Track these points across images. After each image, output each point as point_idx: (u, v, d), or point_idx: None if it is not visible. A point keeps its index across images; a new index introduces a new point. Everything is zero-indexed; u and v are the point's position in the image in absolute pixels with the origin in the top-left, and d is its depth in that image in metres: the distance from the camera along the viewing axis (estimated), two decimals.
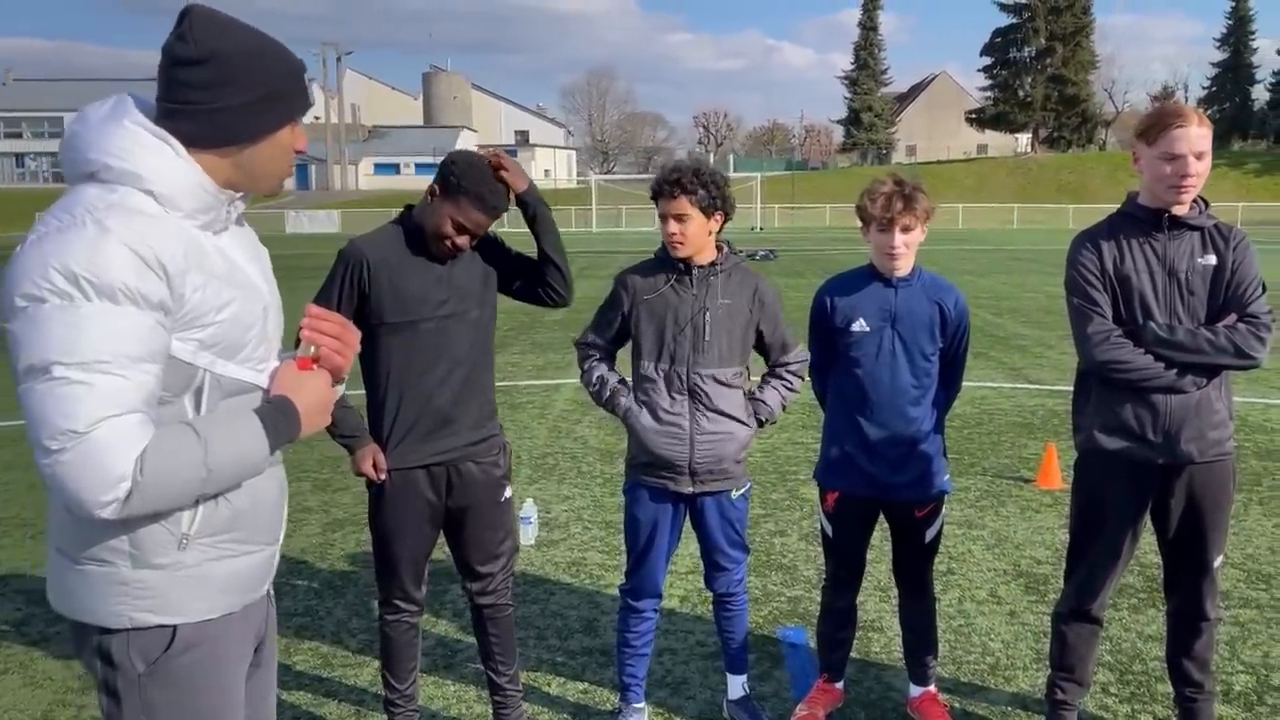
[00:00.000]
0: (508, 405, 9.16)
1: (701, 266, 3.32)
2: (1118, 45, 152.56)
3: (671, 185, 3.22)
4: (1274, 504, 6.20)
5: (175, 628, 1.82)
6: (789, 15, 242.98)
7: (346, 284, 3.15)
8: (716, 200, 3.28)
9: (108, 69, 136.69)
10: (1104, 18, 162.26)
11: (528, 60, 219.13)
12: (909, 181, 3.37)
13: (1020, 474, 6.91)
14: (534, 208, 3.32)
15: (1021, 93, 78.59)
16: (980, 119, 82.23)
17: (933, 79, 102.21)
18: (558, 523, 5.92)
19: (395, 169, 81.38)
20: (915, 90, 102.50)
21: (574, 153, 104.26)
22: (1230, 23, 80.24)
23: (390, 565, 3.34)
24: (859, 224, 3.46)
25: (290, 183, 78.37)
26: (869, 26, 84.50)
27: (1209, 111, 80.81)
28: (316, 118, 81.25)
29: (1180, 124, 3.00)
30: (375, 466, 3.22)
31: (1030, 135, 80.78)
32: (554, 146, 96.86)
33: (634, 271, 3.44)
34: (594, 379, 3.50)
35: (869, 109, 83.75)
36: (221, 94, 1.77)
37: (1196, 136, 3.00)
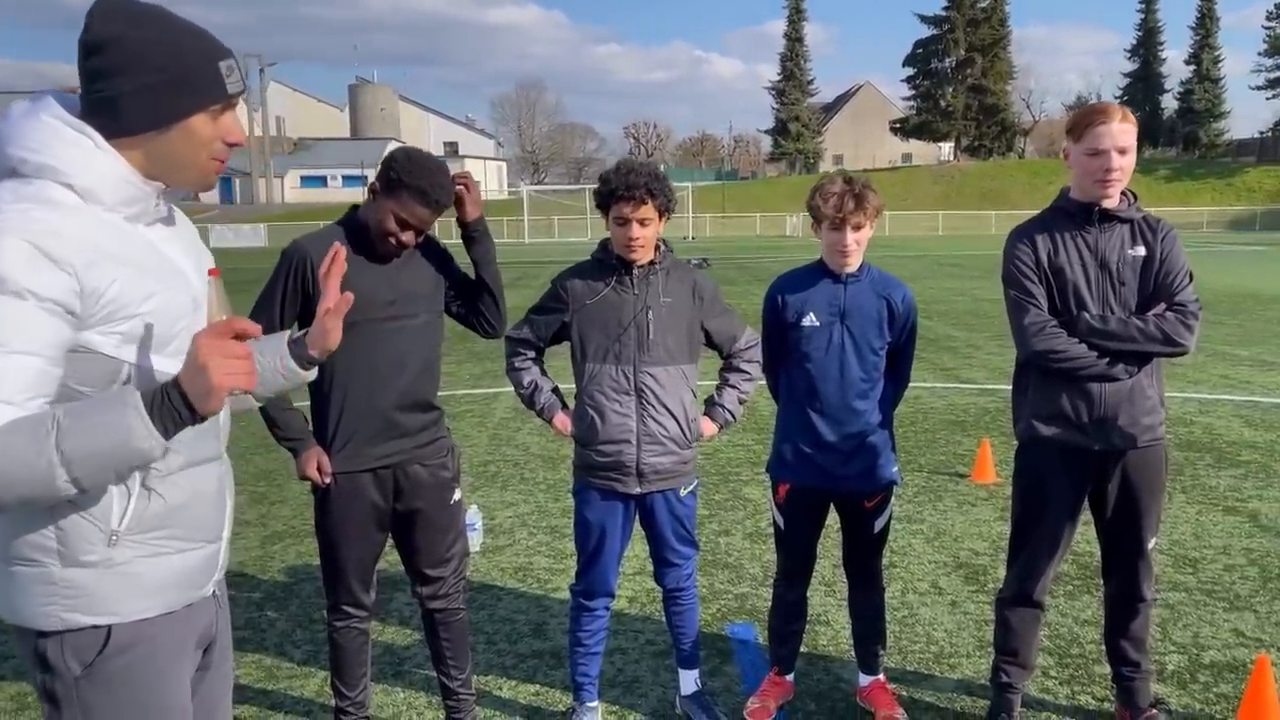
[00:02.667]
0: (447, 414, 9.08)
1: (641, 266, 3.34)
2: (1034, 56, 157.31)
3: (638, 189, 3.20)
4: (1196, 492, 6.42)
5: (110, 628, 1.79)
6: (716, 26, 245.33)
7: (290, 282, 3.11)
8: (671, 203, 3.31)
9: (16, 81, 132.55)
10: (1020, 29, 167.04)
11: (456, 72, 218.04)
12: (859, 180, 3.43)
13: (956, 469, 7.06)
14: (479, 239, 3.34)
15: (943, 102, 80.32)
16: (904, 128, 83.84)
17: (857, 89, 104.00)
18: (502, 529, 5.89)
19: (322, 181, 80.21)
20: (841, 100, 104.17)
21: (504, 164, 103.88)
22: (1140, 34, 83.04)
23: (337, 570, 3.29)
24: (811, 221, 3.50)
25: (215, 196, 76.72)
26: (794, 37, 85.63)
27: None
28: None
29: (1103, 120, 3.12)
30: (320, 470, 3.18)
31: (952, 144, 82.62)
32: (484, 158, 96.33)
33: (572, 274, 3.44)
34: (525, 382, 3.50)
35: (796, 119, 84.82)
36: (119, 81, 1.73)
37: (1118, 132, 3.12)
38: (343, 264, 2.18)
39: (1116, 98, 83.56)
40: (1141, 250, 3.25)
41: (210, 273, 1.78)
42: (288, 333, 2.14)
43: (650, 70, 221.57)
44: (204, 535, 1.91)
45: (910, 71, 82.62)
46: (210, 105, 1.79)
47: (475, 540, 5.50)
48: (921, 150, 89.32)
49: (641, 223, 3.24)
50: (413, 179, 3.02)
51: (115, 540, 1.76)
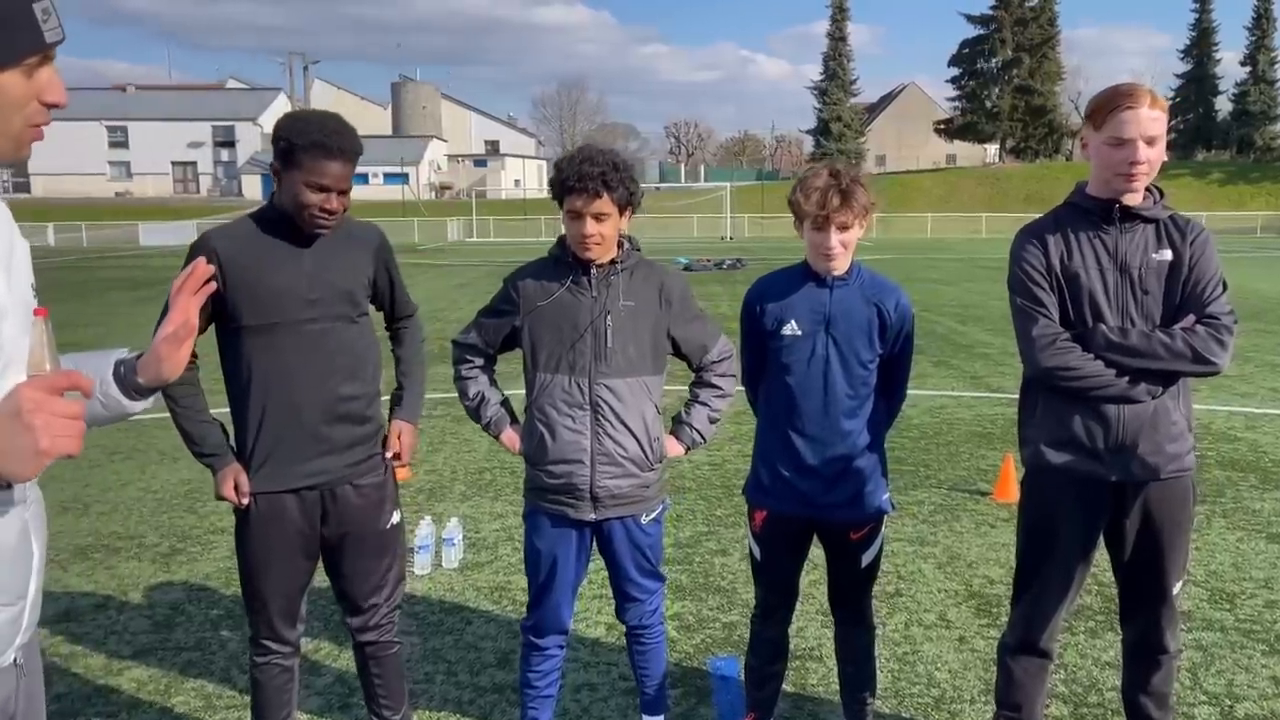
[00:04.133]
0: (450, 418, 8.79)
1: (601, 265, 2.98)
2: (1084, 57, 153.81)
3: (593, 181, 2.84)
4: (1238, 516, 5.94)
5: None
6: (763, 26, 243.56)
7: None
8: (634, 196, 2.94)
9: (77, 79, 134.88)
10: (1070, 30, 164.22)
11: (500, 72, 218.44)
12: (846, 173, 3.00)
13: (977, 486, 6.62)
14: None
15: (989, 103, 79.00)
16: (948, 129, 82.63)
17: (902, 89, 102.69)
18: (485, 543, 5.56)
19: (364, 179, 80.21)
20: (884, 101, 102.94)
21: (544, 163, 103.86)
22: (1194, 34, 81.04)
23: (258, 601, 2.97)
24: (794, 220, 3.11)
25: (257, 193, 77.35)
26: (838, 37, 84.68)
27: (1173, 123, 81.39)
28: None
29: (1129, 105, 2.70)
30: (237, 490, 2.86)
31: (998, 145, 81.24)
32: (524, 156, 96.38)
33: (525, 274, 3.09)
34: (471, 393, 3.16)
35: (838, 119, 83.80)
36: None
37: (1147, 119, 2.70)
38: (200, 280, 1.80)
39: (1169, 99, 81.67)
40: (1168, 254, 2.83)
41: (37, 313, 1.46)
42: (116, 353, 1.77)
43: (695, 70, 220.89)
44: None
45: (955, 72, 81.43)
46: (26, 57, 1.45)
47: (453, 556, 5.18)
48: (966, 151, 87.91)
49: (596, 218, 2.88)
50: (305, 137, 2.69)
51: None
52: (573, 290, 2.98)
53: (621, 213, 2.93)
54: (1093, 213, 2.88)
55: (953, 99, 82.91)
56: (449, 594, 4.82)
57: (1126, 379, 2.78)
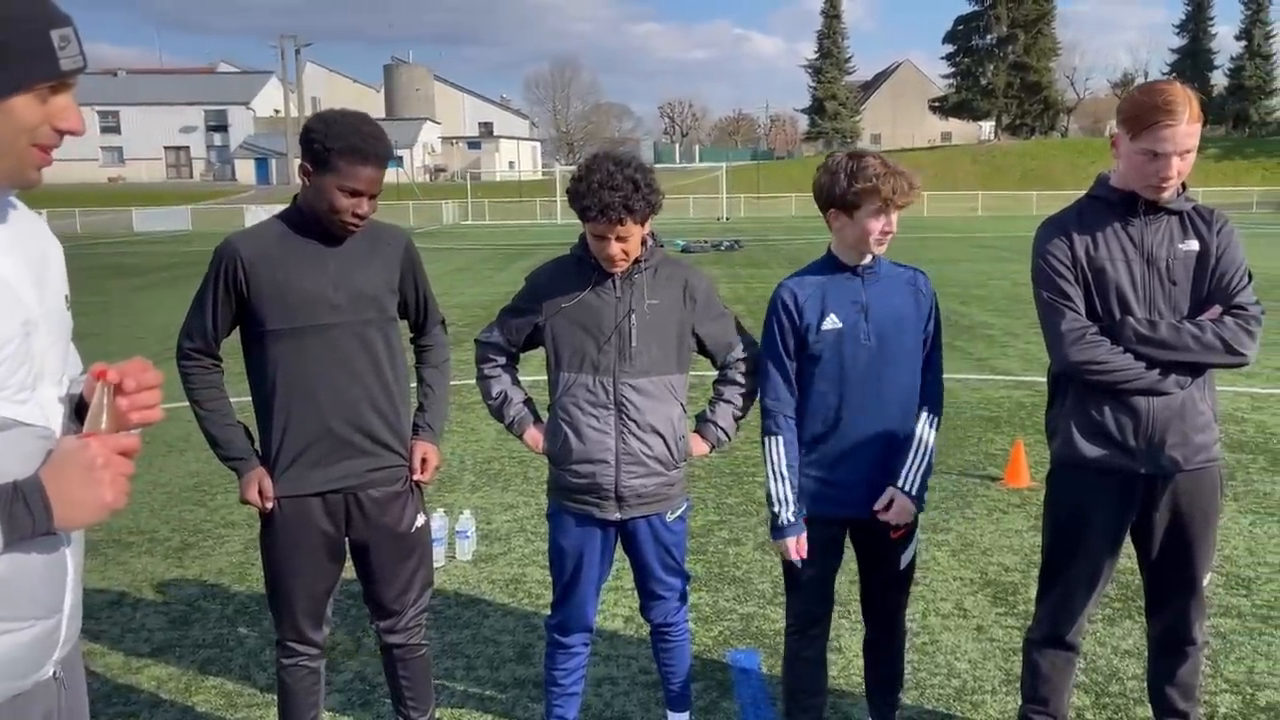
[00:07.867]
0: (456, 406, 8.76)
1: None
2: (1079, 32, 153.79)
3: (615, 211, 2.77)
4: (1249, 500, 5.94)
5: None
6: (758, 3, 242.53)
7: (221, 286, 2.77)
8: (656, 205, 2.89)
9: None
10: (1065, 5, 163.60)
11: (493, 52, 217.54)
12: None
13: (987, 471, 6.62)
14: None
15: (984, 80, 78.90)
16: (944, 107, 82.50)
17: (896, 67, 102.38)
18: (498, 534, 5.55)
19: None
20: (879, 79, 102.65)
21: (538, 144, 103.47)
22: (1189, 9, 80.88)
23: (284, 604, 2.96)
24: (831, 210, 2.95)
25: (250, 177, 77.01)
26: (832, 14, 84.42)
27: None
28: (276, 111, 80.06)
29: (1168, 123, 2.62)
30: (262, 494, 2.84)
31: (993, 123, 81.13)
32: (518, 138, 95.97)
33: (547, 272, 3.06)
34: (494, 392, 3.13)
35: (833, 98, 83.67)
36: None
37: (1184, 135, 2.64)
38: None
39: (1165, 74, 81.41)
40: (1194, 244, 2.81)
41: (97, 375, 1.52)
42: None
43: (689, 49, 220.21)
44: (31, 610, 1.53)
45: (950, 49, 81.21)
46: (37, 83, 1.47)
47: (467, 549, 5.17)
48: (961, 129, 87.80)
49: (620, 238, 2.84)
50: (340, 141, 2.66)
51: None
52: (597, 291, 2.95)
53: (644, 223, 2.89)
54: (1117, 205, 2.85)
55: (947, 76, 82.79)
56: (464, 587, 4.81)
57: (1156, 372, 2.76)
